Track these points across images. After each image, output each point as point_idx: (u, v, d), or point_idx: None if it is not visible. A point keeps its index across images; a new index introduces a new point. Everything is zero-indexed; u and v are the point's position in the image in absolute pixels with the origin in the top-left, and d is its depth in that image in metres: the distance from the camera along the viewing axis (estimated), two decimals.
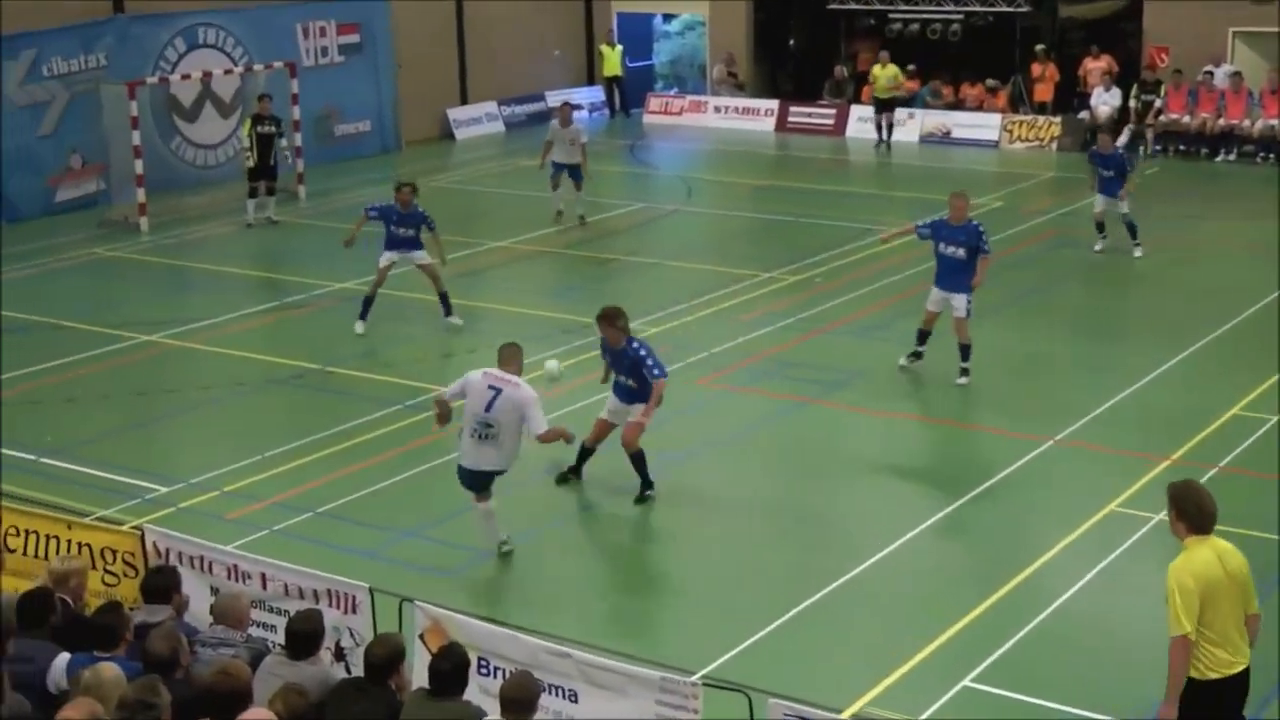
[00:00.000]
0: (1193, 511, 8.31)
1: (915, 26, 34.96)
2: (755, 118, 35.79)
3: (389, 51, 32.96)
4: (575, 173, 25.35)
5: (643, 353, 13.86)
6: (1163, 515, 9.44)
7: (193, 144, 29.43)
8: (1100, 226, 22.92)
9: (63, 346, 19.01)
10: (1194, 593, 8.10)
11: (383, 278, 19.14)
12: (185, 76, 28.13)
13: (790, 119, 35.34)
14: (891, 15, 35.22)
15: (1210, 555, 8.27)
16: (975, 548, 13.15)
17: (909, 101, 34.55)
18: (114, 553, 10.75)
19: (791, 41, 36.84)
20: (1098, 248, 22.93)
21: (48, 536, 10.99)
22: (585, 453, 14.35)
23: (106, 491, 14.21)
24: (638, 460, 13.99)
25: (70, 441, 15.69)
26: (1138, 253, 22.62)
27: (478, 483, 12.57)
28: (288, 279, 22.66)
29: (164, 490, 14.27)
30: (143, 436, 16.25)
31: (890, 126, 33.24)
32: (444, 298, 19.31)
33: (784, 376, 17.60)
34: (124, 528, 11.58)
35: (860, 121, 34.35)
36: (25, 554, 11.02)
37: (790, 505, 14.20)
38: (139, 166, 25.79)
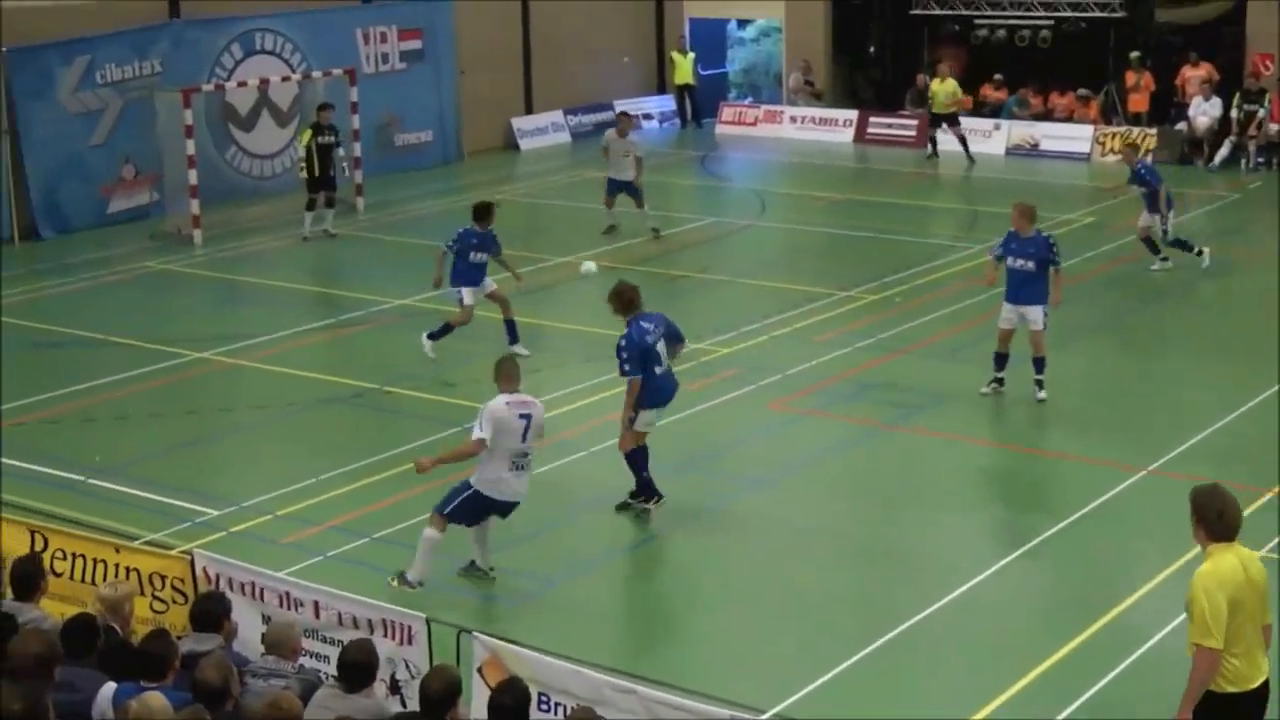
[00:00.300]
0: (1213, 518, 8.25)
1: (1002, 33, 34.80)
2: (833, 128, 35.72)
3: (451, 58, 33.17)
4: (632, 189, 25.37)
5: (620, 343, 13.87)
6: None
7: (249, 154, 29.73)
8: (1149, 244, 22.64)
9: (113, 363, 19.23)
10: (1222, 602, 8.06)
11: (470, 315, 18.81)
12: (242, 84, 28.44)
13: (870, 130, 35.25)
14: (977, 21, 35.08)
15: (1235, 562, 8.23)
16: (1063, 583, 13.01)
17: (997, 111, 34.39)
18: (163, 578, 10.85)
19: (871, 48, 36.78)
20: (1154, 267, 22.65)
21: (95, 560, 11.10)
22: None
23: (156, 514, 14.35)
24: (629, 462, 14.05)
25: (120, 461, 15.86)
26: (1205, 262, 22.32)
27: (508, 513, 12.62)
28: (345, 294, 22.83)
29: (215, 513, 14.40)
30: (194, 457, 16.40)
31: (964, 139, 33.13)
32: (511, 325, 19.09)
33: (860, 400, 17.52)
34: (173, 552, 11.70)
35: (943, 133, 34.19)
36: (72, 578, 11.15)
37: (865, 536, 14.12)
38: (193, 177, 26.08)
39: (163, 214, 27.26)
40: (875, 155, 34.04)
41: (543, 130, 35.96)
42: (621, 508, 14.26)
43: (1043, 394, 17.07)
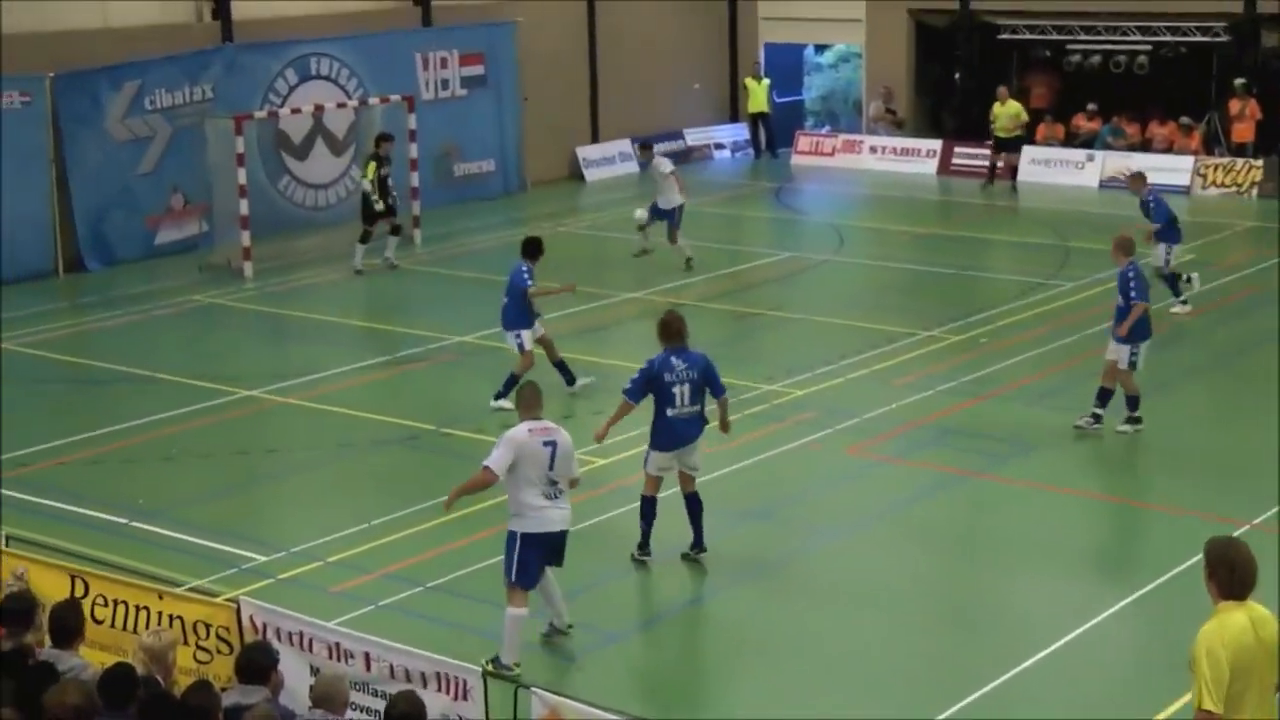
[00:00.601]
0: (1224, 574, 8.15)
1: (1096, 58, 34.65)
2: (915, 159, 35.64)
3: (514, 84, 33.38)
4: (672, 217, 25.44)
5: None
6: None
7: (302, 183, 29.98)
8: (1175, 279, 22.62)
9: (159, 401, 19.40)
10: (1224, 664, 7.96)
11: (532, 360, 18.56)
12: (296, 110, 28.71)
13: (954, 161, 35.15)
14: (1070, 46, 34.95)
15: (1244, 622, 8.11)
16: (1162, 642, 12.83)
17: (1090, 142, 34.23)
18: (207, 627, 10.91)
19: (957, 75, 36.70)
20: (1179, 307, 22.56)
21: (137, 607, 11.17)
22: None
23: (201, 559, 14.44)
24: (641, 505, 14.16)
25: (164, 504, 15.98)
26: (1177, 308, 22.35)
27: (561, 550, 12.36)
28: (402, 330, 22.96)
29: (263, 559, 14.47)
30: (242, 500, 16.51)
31: (1014, 169, 33.06)
32: (563, 366, 18.96)
33: (944, 446, 17.42)
34: (219, 599, 11.76)
35: (1033, 164, 34.07)
36: (113, 625, 11.22)
37: (945, 591, 14.01)
38: (244, 207, 26.33)
39: (212, 245, 27.53)
40: (960, 187, 33.93)
41: (609, 160, 36.10)
42: (685, 558, 14.24)
43: (1124, 427, 17.18)
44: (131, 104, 27.23)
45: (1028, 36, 35.73)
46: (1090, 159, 33.64)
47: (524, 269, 18.44)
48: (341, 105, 29.59)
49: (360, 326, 23.68)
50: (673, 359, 13.87)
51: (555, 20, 34.78)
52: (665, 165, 25.97)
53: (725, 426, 14.36)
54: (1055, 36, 35.22)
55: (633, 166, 36.10)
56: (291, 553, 14.60)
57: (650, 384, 13.86)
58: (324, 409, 19.15)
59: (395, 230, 26.69)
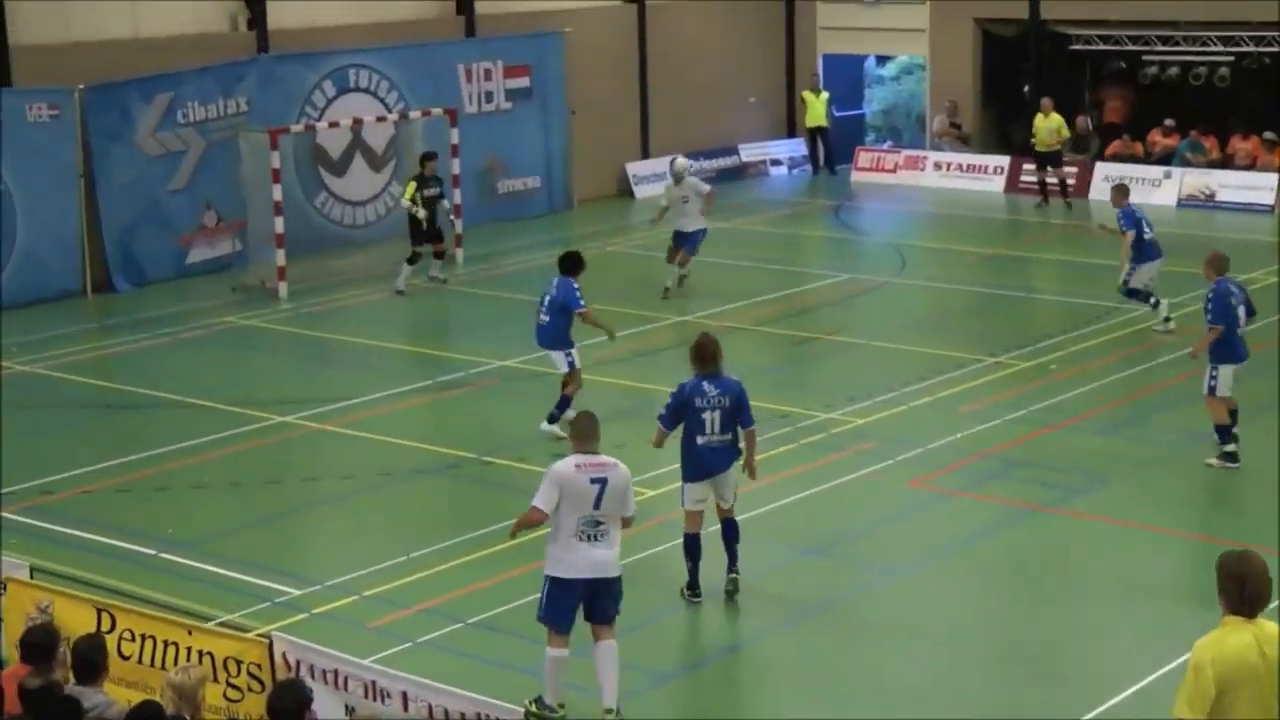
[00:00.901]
0: (1233, 589, 8.17)
1: (1174, 70, 34.49)
2: (982, 176, 35.55)
3: (561, 97, 33.48)
4: (691, 240, 25.47)
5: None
6: None
7: (340, 200, 30.13)
8: (1135, 294, 22.96)
9: (190, 427, 19.51)
10: (1210, 678, 7.95)
11: (580, 378, 18.71)
12: (334, 124, 28.88)
13: (1023, 178, 35.01)
14: (1146, 57, 34.80)
15: (1248, 640, 8.08)
16: None
17: (1167, 158, 34.07)
18: (238, 663, 10.94)
19: (1026, 88, 36.57)
20: (1158, 327, 22.79)
21: (166, 643, 11.22)
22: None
23: (232, 592, 14.50)
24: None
25: (195, 534, 16.07)
26: (1163, 314, 22.77)
27: (605, 601, 12.02)
28: (443, 354, 23.03)
29: (296, 593, 14.52)
30: (275, 531, 16.58)
31: (1064, 184, 33.02)
32: (559, 401, 18.67)
33: (1010, 479, 17.34)
34: (251, 635, 11.80)
35: (1107, 182, 33.90)
36: (140, 661, 11.28)
37: (1017, 631, 13.94)
38: (279, 225, 26.48)
39: (246, 265, 27.69)
40: (1028, 206, 33.80)
41: (660, 176, 35.99)
42: (729, 594, 14.18)
43: (1211, 460, 17.14)
44: (163, 117, 27.42)
45: (1101, 47, 35.61)
46: (1167, 176, 33.48)
47: (576, 289, 18.37)
48: (381, 119, 29.73)
49: (399, 350, 23.76)
50: (704, 384, 13.86)
51: (604, 31, 34.90)
52: (704, 185, 25.91)
53: (750, 468, 14.15)
54: (1131, 47, 35.08)
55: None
56: (326, 586, 14.65)
57: (682, 411, 13.88)
58: (361, 436, 19.22)
59: (439, 254, 26.75)
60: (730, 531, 14.17)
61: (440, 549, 15.41)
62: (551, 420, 18.51)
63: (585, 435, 12.11)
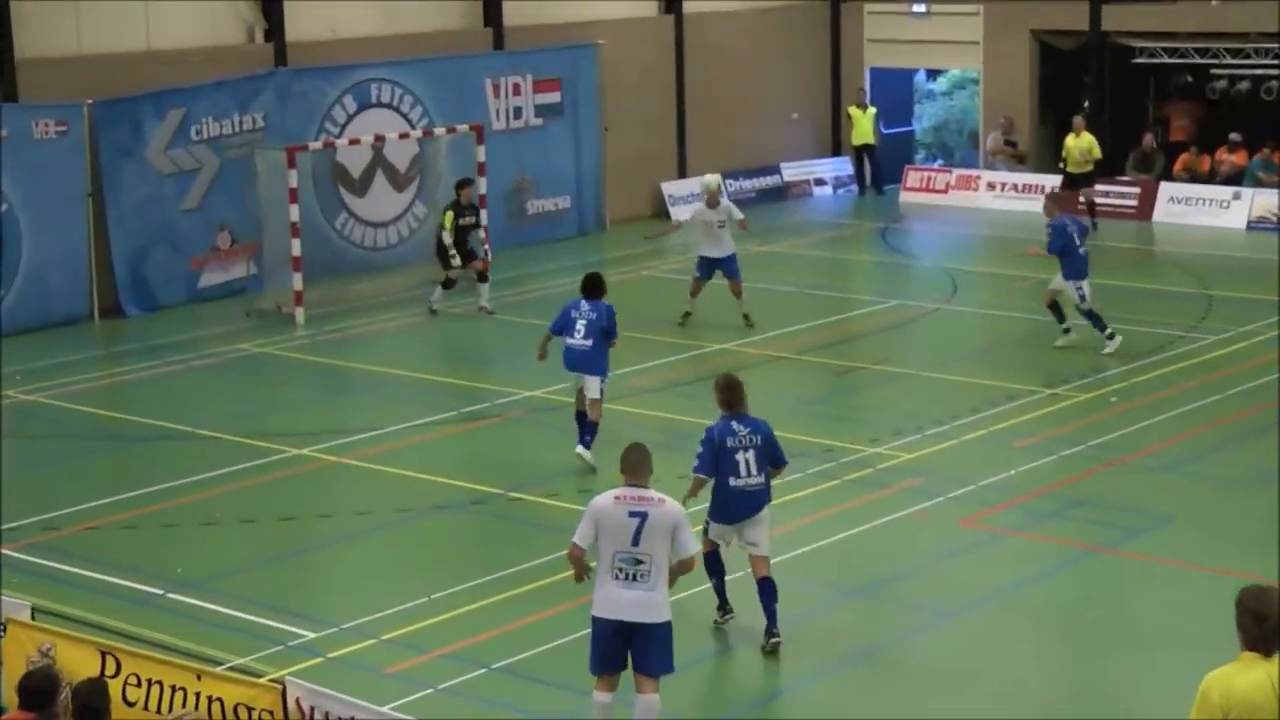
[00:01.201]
0: (1250, 624, 8.25)
1: (1245, 84, 34.38)
2: (1038, 197, 35.23)
3: (594, 113, 33.54)
4: (730, 267, 25.25)
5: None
6: None
7: (361, 221, 30.21)
8: (1054, 310, 23.55)
9: (200, 459, 19.55)
10: (1217, 707, 8.01)
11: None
12: (354, 141, 28.95)
13: (1082, 200, 34.89)
14: (1215, 71, 34.71)
15: (1260, 678, 8.10)
16: None
17: (1236, 178, 33.94)
18: (250, 710, 10.95)
19: (1086, 104, 36.52)
20: (1059, 343, 23.45)
21: (173, 688, 11.24)
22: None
23: (244, 635, 14.51)
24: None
25: (204, 574, 16.08)
26: (1109, 348, 23.26)
27: (645, 649, 11.86)
28: (467, 384, 23.05)
29: (311, 636, 14.53)
30: (289, 570, 16.59)
31: (1092, 205, 33.01)
32: (590, 428, 18.93)
33: (1068, 519, 17.27)
34: (263, 680, 11.81)
35: (1172, 203, 33.84)
36: (147, 708, 11.29)
37: (1075, 681, 13.85)
38: (296, 247, 26.57)
39: (261, 289, 27.78)
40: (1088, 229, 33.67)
41: (698, 196, 36.08)
42: (765, 651, 14.13)
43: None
44: (176, 133, 27.55)
45: (1166, 60, 35.52)
46: (1236, 197, 33.36)
47: (614, 313, 18.77)
48: (404, 136, 29.81)
49: (421, 379, 23.78)
50: (733, 424, 13.89)
51: (640, 42, 34.98)
52: (736, 213, 25.60)
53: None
54: (1198, 60, 34.99)
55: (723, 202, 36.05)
56: (343, 629, 14.65)
57: (716, 454, 13.83)
58: (381, 470, 19.25)
59: (483, 276, 26.72)
60: (768, 592, 14.06)
61: (464, 590, 15.39)
62: (585, 444, 18.78)
63: (633, 467, 12.03)
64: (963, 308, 27.13)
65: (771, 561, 14.10)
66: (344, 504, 18.25)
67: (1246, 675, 8.12)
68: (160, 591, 15.59)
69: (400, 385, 23.23)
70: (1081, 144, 33.14)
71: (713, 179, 25.75)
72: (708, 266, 25.37)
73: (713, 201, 25.23)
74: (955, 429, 20.07)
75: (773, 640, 14.04)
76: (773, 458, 14.00)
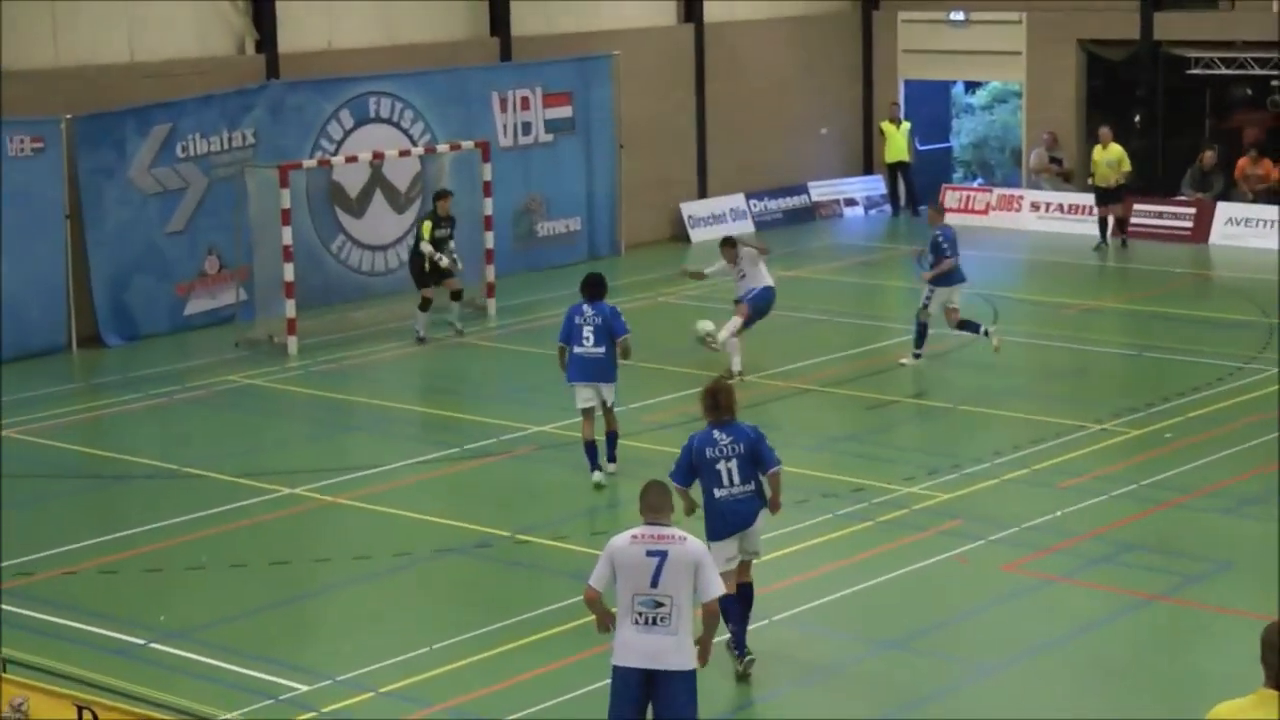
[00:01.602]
0: (1273, 659, 8.36)
1: None
2: (1086, 218, 35.41)
3: (609, 129, 33.60)
4: (770, 298, 25.12)
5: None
6: None
7: (359, 244, 30.26)
8: (967, 327, 24.80)
9: (186, 499, 19.57)
10: None
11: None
12: (351, 158, 29.02)
13: (1133, 220, 34.93)
14: (1276, 82, 34.69)
15: (1273, 717, 8.13)
16: None
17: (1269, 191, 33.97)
18: None
19: (1136, 117, 36.58)
20: (903, 360, 24.45)
21: None
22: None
23: (232, 688, 14.48)
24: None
25: (190, 623, 16.07)
26: (906, 360, 24.71)
27: (667, 699, 11.67)
28: (471, 418, 23.05)
29: (304, 689, 14.50)
30: (281, 618, 16.57)
31: (1123, 223, 33.06)
32: (612, 438, 19.74)
33: (1120, 563, 17.22)
34: None
35: (1230, 224, 33.80)
36: None
37: None
38: (289, 272, 26.61)
39: (252, 317, 27.81)
40: (1141, 252, 33.69)
41: (720, 218, 36.20)
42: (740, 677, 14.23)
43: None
44: (160, 151, 27.63)
45: (1224, 71, 35.52)
46: None
47: (618, 312, 19.45)
48: (405, 153, 29.88)
49: (423, 413, 23.81)
50: (715, 433, 14.15)
51: (657, 53, 35.05)
52: (753, 250, 25.12)
53: (775, 505, 14.47)
54: (1258, 71, 34.98)
55: (747, 225, 36.11)
56: (338, 682, 14.64)
57: (694, 463, 14.14)
58: (379, 510, 19.24)
59: (456, 295, 26.95)
60: (745, 600, 14.28)
61: (468, 639, 15.37)
62: (612, 460, 19.43)
63: (652, 506, 11.99)
64: (1004, 337, 27.07)
65: (797, 610, 14.11)
66: (340, 547, 18.23)
67: (1258, 713, 8.19)
68: (142, 641, 15.58)
69: (400, 420, 23.24)
70: (1109, 156, 33.19)
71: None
72: (760, 304, 24.88)
73: (731, 260, 24.50)
74: (996, 467, 20.04)
75: (748, 659, 14.21)
76: (759, 462, 14.23)
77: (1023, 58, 37.47)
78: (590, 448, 19.36)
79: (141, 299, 27.69)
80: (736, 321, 23.98)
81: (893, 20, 38.75)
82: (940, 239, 24.40)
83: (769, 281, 24.49)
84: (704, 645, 11.86)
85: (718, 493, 14.08)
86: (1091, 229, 34.90)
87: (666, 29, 35.81)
